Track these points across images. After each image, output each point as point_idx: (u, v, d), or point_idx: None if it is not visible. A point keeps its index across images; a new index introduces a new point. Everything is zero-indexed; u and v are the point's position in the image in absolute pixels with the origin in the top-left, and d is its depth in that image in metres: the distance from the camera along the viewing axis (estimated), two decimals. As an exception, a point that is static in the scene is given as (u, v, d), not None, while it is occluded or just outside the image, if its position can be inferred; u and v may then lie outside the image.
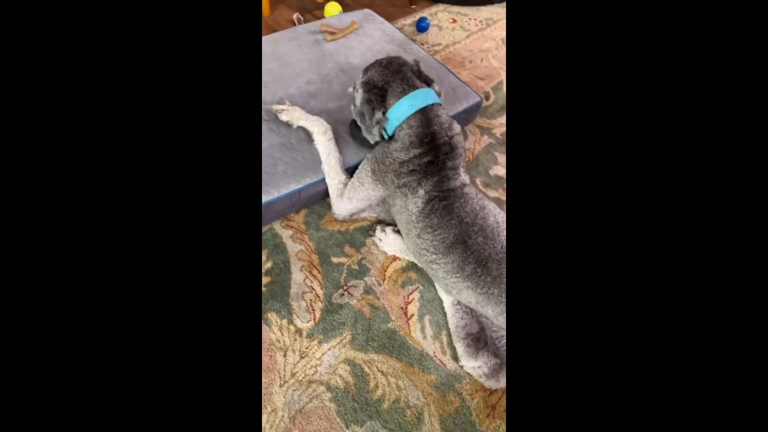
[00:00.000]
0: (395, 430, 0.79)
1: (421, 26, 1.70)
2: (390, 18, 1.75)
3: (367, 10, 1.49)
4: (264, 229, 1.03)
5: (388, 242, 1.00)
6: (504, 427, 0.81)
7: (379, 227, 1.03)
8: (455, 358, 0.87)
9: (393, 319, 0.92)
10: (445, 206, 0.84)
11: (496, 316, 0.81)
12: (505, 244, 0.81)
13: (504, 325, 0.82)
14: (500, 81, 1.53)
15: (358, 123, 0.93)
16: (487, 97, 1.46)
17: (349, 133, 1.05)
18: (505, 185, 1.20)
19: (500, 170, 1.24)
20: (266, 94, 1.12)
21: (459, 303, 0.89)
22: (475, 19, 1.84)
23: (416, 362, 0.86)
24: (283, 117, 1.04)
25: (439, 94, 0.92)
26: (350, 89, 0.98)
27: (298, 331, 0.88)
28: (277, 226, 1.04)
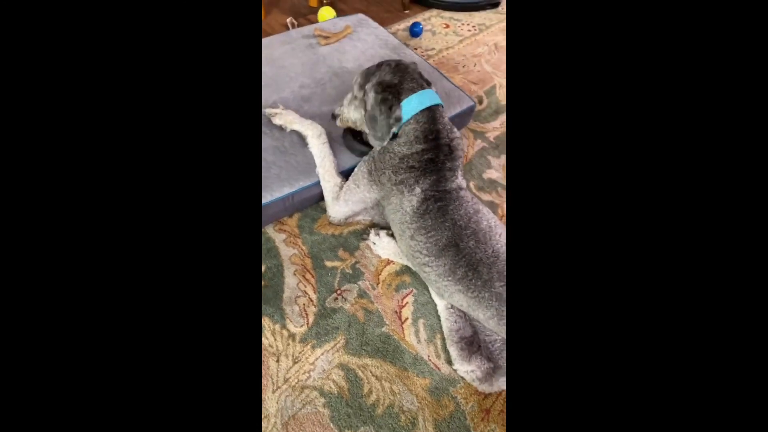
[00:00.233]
0: (389, 435, 0.78)
1: (415, 31, 1.71)
2: (384, 23, 1.76)
3: (360, 15, 1.50)
4: (257, 233, 1.03)
5: (381, 246, 1.00)
6: (498, 431, 0.80)
7: (372, 231, 1.03)
8: (449, 362, 0.87)
9: (387, 323, 0.91)
10: (439, 207, 0.84)
11: (486, 319, 0.81)
12: (496, 248, 0.81)
13: (494, 329, 0.82)
14: (493, 85, 1.55)
15: (367, 128, 0.92)
16: (480, 102, 1.47)
17: (344, 143, 1.05)
18: (497, 189, 1.21)
19: (493, 173, 1.25)
20: (259, 98, 1.12)
21: (452, 307, 0.89)
22: (467, 24, 1.86)
23: (410, 366, 0.86)
24: (277, 121, 1.04)
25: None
26: (345, 102, 0.98)
27: (291, 336, 0.87)
28: (271, 230, 1.03)
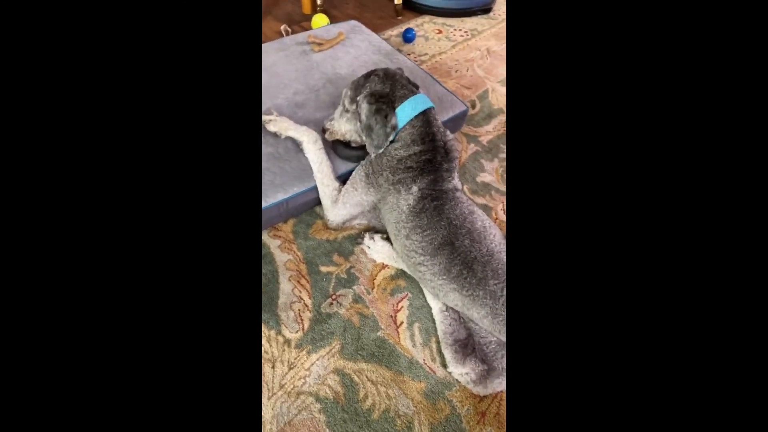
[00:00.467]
0: (385, 440, 0.78)
1: (408, 37, 1.73)
2: (377, 29, 1.77)
3: (354, 22, 1.51)
4: (252, 239, 1.03)
5: (376, 249, 1.01)
6: (494, 433, 0.81)
7: (367, 235, 1.03)
8: (445, 365, 0.87)
9: (382, 327, 0.92)
10: (435, 207, 0.85)
11: (481, 318, 0.82)
12: (491, 247, 0.82)
13: (489, 328, 0.83)
14: (486, 90, 1.56)
15: (364, 137, 0.92)
16: (473, 106, 1.49)
17: (336, 153, 1.05)
18: (491, 192, 1.22)
19: (487, 177, 1.26)
20: (253, 105, 1.13)
21: (447, 309, 0.89)
22: (460, 29, 1.88)
23: (406, 370, 0.86)
24: (271, 128, 1.04)
25: None
26: (336, 116, 0.99)
27: (287, 342, 0.87)
28: (265, 236, 1.04)
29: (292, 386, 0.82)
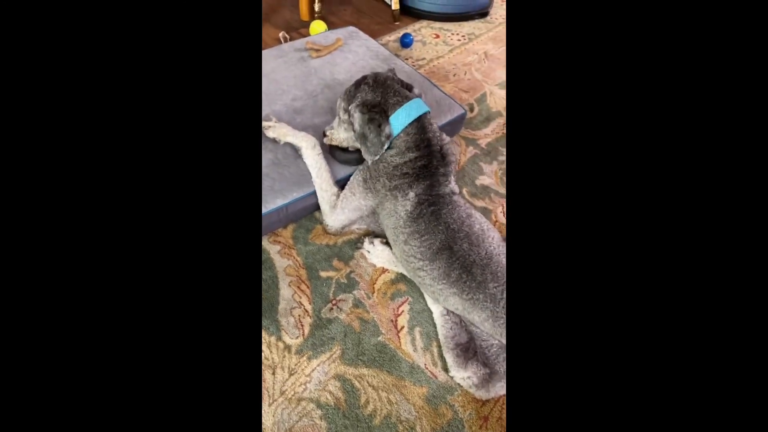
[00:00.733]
0: (387, 446, 0.77)
1: (405, 42, 1.74)
2: (374, 35, 1.79)
3: (351, 28, 1.52)
4: (251, 245, 1.03)
5: (376, 254, 1.00)
6: (497, 438, 0.80)
7: (367, 239, 1.03)
8: (446, 370, 0.86)
9: (383, 332, 0.91)
10: (433, 211, 0.85)
11: (482, 322, 0.82)
12: (489, 250, 0.82)
13: (490, 331, 0.82)
14: (483, 93, 1.57)
15: (359, 145, 0.92)
16: (472, 109, 1.49)
17: (334, 158, 1.05)
18: (490, 195, 1.22)
19: (486, 180, 1.26)
20: (252, 111, 1.13)
21: (448, 313, 0.89)
22: (457, 34, 1.89)
23: (407, 375, 0.86)
24: (270, 134, 1.05)
25: (419, 96, 0.95)
26: (334, 125, 0.99)
27: (287, 348, 0.87)
28: (265, 242, 1.04)
29: (292, 392, 0.82)
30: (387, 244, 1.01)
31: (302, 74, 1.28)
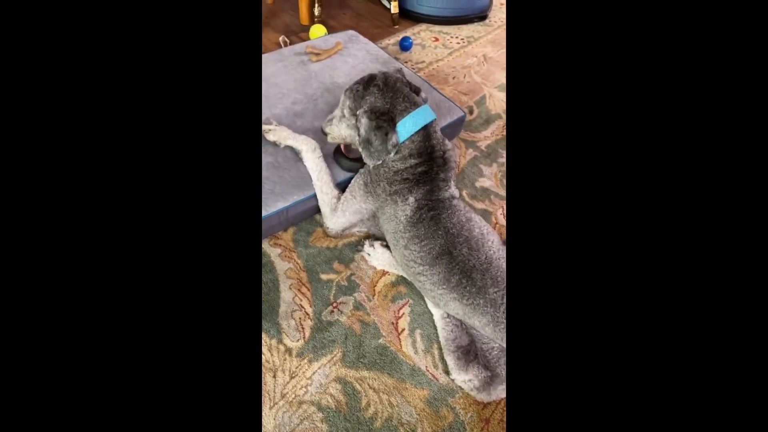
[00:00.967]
0: (388, 448, 0.77)
1: (405, 45, 1.75)
2: (374, 38, 1.80)
3: (351, 32, 1.53)
4: (252, 248, 1.03)
5: (376, 256, 1.01)
6: (498, 440, 0.80)
7: (367, 242, 1.03)
8: (447, 372, 0.86)
9: (384, 334, 0.91)
10: (432, 216, 0.85)
11: (482, 326, 0.82)
12: (489, 254, 0.82)
13: (491, 336, 0.82)
14: (483, 95, 1.57)
15: (361, 149, 0.90)
16: (471, 112, 1.50)
17: (334, 160, 1.05)
18: (490, 197, 1.22)
19: (486, 182, 1.26)
20: (253, 115, 1.14)
21: (449, 316, 0.89)
22: (456, 37, 1.90)
23: (408, 377, 0.86)
24: (270, 137, 1.05)
25: (425, 100, 0.94)
26: (334, 121, 0.97)
27: (288, 351, 0.87)
28: (266, 245, 1.04)
29: (293, 395, 0.82)
30: (387, 246, 1.01)
31: (302, 78, 1.29)
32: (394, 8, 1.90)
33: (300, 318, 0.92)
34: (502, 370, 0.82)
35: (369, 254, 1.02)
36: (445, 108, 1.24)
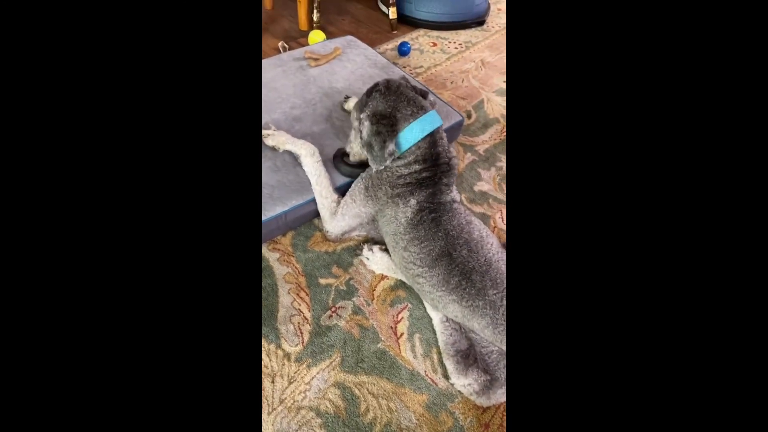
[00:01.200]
0: (388, 454, 0.77)
1: (403, 50, 1.76)
2: (372, 44, 1.81)
3: (349, 37, 1.54)
4: (251, 252, 1.03)
5: (375, 261, 1.01)
6: (498, 446, 0.79)
7: (366, 246, 1.03)
8: (446, 377, 0.86)
9: (382, 339, 0.91)
10: (433, 218, 0.85)
11: (482, 329, 0.81)
12: (488, 257, 0.82)
13: (490, 338, 0.82)
14: (481, 100, 1.58)
15: (365, 152, 0.91)
16: (469, 116, 1.51)
17: (335, 166, 1.05)
18: (489, 200, 1.23)
19: (484, 186, 1.27)
20: (251, 120, 1.14)
21: (448, 320, 0.89)
22: (454, 42, 1.91)
23: (407, 382, 0.85)
24: (269, 142, 1.06)
25: (433, 105, 0.94)
26: (351, 139, 0.97)
27: (287, 356, 0.87)
28: (264, 249, 1.04)
29: (292, 401, 0.81)
30: (386, 250, 1.01)
31: (301, 83, 1.30)
32: (393, 14, 1.91)
33: (298, 323, 0.92)
34: (501, 374, 0.81)
35: (368, 258, 1.02)
36: (443, 112, 1.25)
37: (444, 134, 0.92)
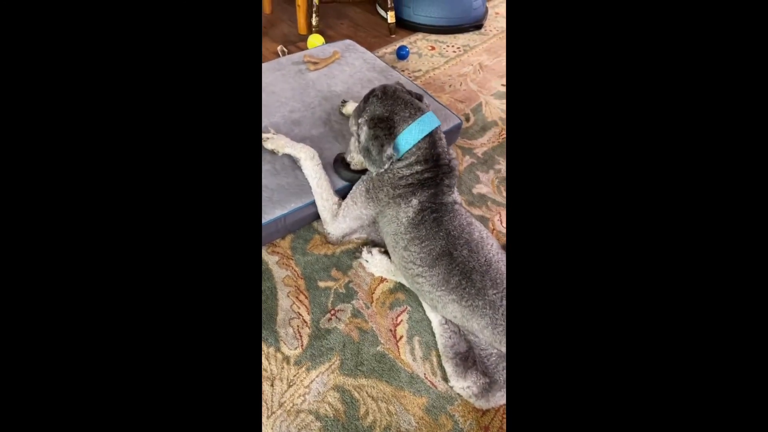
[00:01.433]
0: (387, 458, 0.76)
1: (401, 54, 1.77)
2: (371, 47, 1.82)
3: (348, 41, 1.55)
4: (250, 256, 1.03)
5: (374, 263, 1.01)
6: (498, 448, 0.79)
7: (365, 248, 1.03)
8: (446, 379, 0.86)
9: (382, 341, 0.91)
10: (435, 218, 0.86)
11: (481, 329, 0.81)
12: (488, 257, 0.82)
13: (489, 339, 0.82)
14: (479, 103, 1.59)
15: (363, 157, 0.91)
16: (467, 119, 1.51)
17: (335, 170, 1.05)
18: (487, 203, 1.23)
19: (483, 188, 1.27)
20: (251, 123, 1.15)
21: (447, 322, 0.89)
22: (452, 45, 1.93)
23: (406, 385, 0.85)
24: (269, 145, 1.06)
25: (427, 107, 0.95)
26: (351, 148, 0.98)
27: (286, 359, 0.87)
28: (264, 252, 1.04)
29: (291, 404, 0.81)
30: (385, 253, 1.01)
31: (300, 86, 1.30)
32: (391, 18, 1.92)
33: (298, 326, 0.92)
34: (500, 377, 0.82)
35: (367, 261, 1.02)
36: (441, 115, 1.25)
37: (443, 135, 0.93)
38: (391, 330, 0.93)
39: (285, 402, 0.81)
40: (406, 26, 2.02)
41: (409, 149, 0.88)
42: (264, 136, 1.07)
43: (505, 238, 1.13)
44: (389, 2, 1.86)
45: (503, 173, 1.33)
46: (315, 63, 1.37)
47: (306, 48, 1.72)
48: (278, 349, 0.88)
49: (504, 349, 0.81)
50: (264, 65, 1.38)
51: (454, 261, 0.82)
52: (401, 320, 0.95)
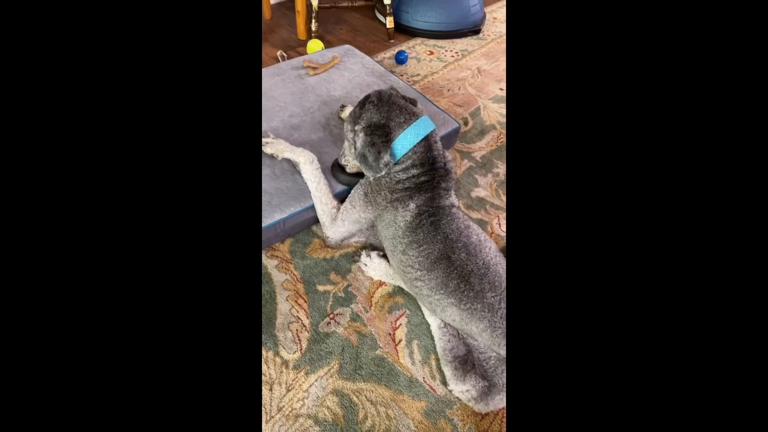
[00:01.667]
0: (386, 462, 0.76)
1: (400, 59, 1.78)
2: (370, 52, 1.83)
3: (347, 46, 1.56)
4: (249, 259, 1.03)
5: (373, 267, 1.01)
6: (497, 452, 0.79)
7: (364, 252, 1.04)
8: (445, 383, 0.86)
9: (381, 345, 0.91)
10: (432, 222, 0.86)
11: (480, 332, 0.82)
12: (486, 260, 0.83)
13: (488, 342, 0.82)
14: (477, 107, 1.60)
15: (359, 163, 0.91)
16: (466, 123, 1.52)
17: (333, 175, 1.06)
18: (486, 207, 1.23)
19: (481, 192, 1.28)
20: (250, 128, 1.15)
21: (446, 326, 0.89)
22: (451, 50, 1.94)
23: (405, 389, 0.85)
24: (268, 150, 1.06)
25: (423, 112, 0.95)
26: (345, 152, 0.98)
27: (285, 363, 0.87)
28: (263, 256, 1.04)
29: (290, 409, 0.81)
30: (384, 257, 1.02)
31: (299, 91, 1.31)
32: (390, 23, 1.94)
33: (297, 330, 0.92)
34: (499, 380, 0.81)
35: (366, 264, 1.02)
36: (440, 119, 1.26)
37: (438, 138, 0.93)
38: (390, 334, 0.93)
39: (284, 406, 0.81)
40: (404, 31, 2.03)
41: (405, 153, 0.88)
42: (263, 140, 1.08)
43: (503, 242, 1.14)
44: (388, 7, 1.88)
45: (501, 177, 1.33)
46: (314, 68, 1.38)
47: (305, 53, 1.73)
48: (277, 353, 0.88)
49: (503, 352, 0.81)
50: (264, 70, 1.39)
51: (452, 264, 0.83)
52: (400, 324, 0.95)
